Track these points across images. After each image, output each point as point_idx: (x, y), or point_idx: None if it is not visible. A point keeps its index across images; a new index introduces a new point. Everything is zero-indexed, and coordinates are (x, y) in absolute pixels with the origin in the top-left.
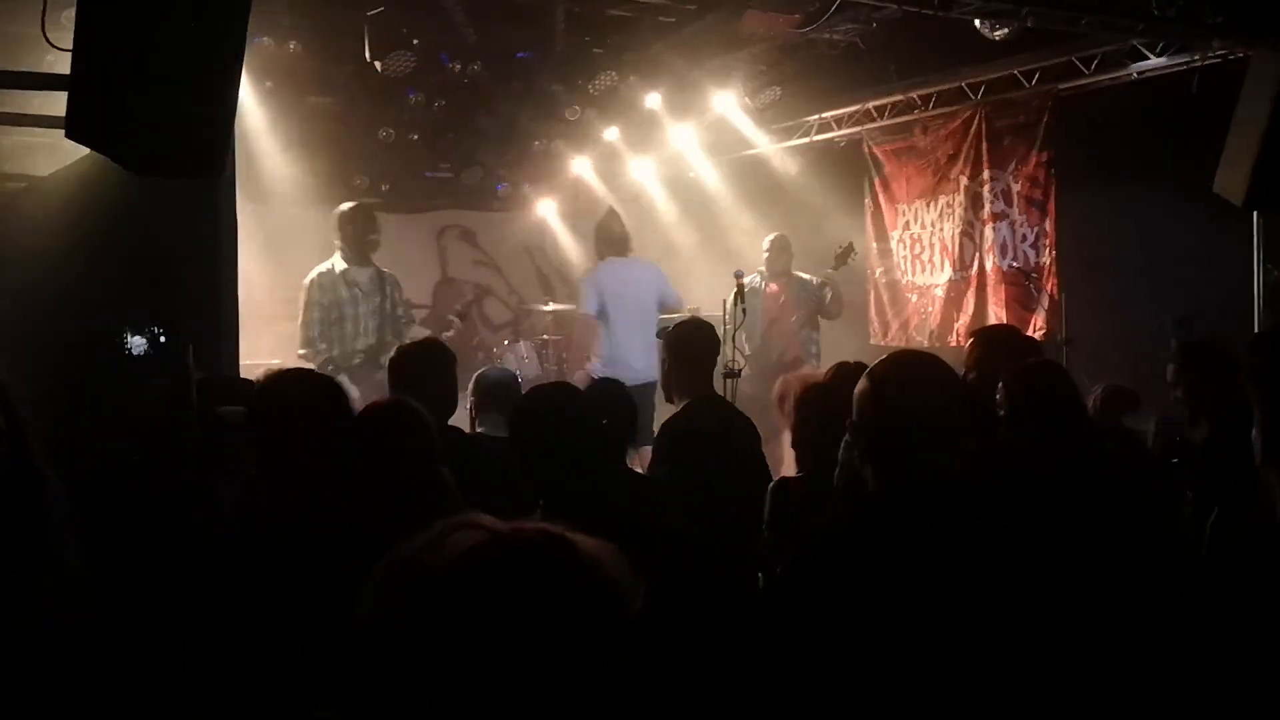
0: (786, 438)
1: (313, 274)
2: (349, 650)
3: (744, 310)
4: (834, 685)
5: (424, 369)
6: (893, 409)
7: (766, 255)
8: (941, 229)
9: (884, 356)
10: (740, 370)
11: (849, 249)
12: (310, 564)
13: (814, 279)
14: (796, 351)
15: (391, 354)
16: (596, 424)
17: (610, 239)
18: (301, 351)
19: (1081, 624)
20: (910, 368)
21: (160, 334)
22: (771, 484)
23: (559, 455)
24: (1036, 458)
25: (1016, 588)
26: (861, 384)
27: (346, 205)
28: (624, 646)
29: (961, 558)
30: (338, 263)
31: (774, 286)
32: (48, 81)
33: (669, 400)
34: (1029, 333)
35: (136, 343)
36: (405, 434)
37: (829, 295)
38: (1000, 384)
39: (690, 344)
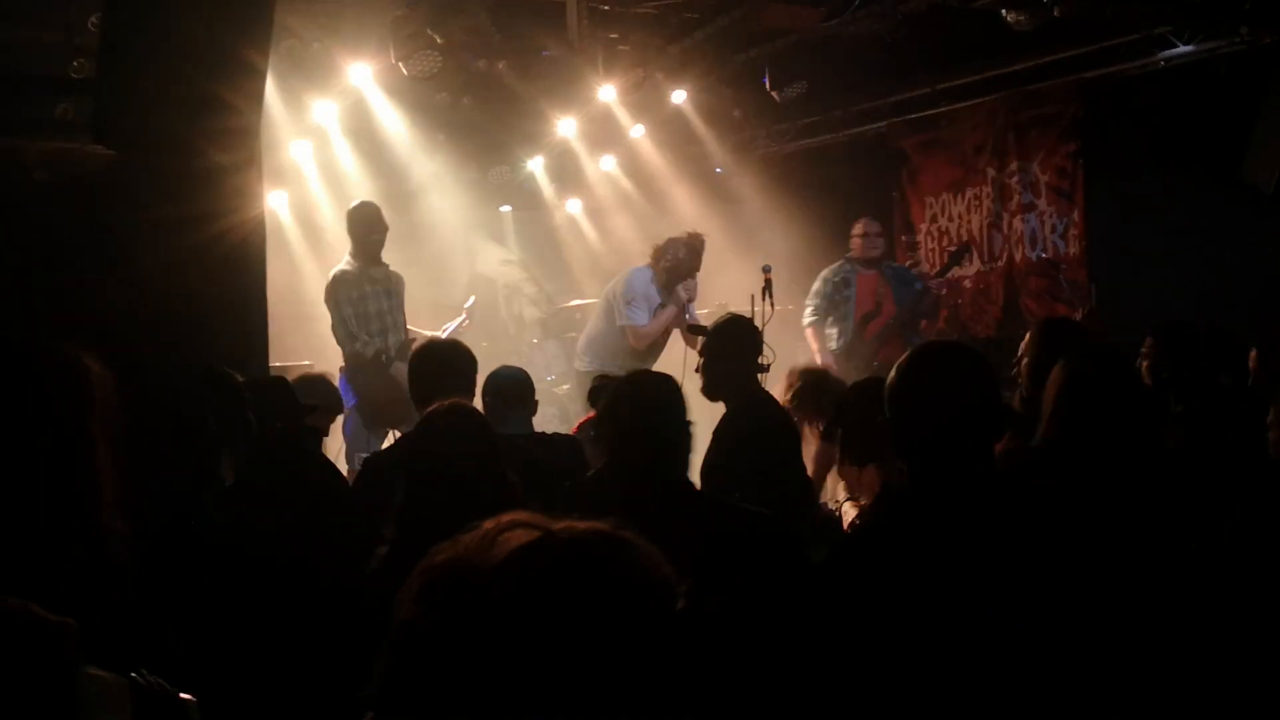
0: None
1: (333, 272)
2: (390, 654)
3: (772, 305)
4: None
5: (445, 370)
6: (918, 401)
7: (862, 241)
8: (970, 221)
9: (913, 349)
10: (768, 366)
11: (963, 248)
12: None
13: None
14: (900, 349)
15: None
16: None
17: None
18: (347, 348)
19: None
20: (936, 360)
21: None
22: None
23: None
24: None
25: (1039, 584)
26: (889, 378)
27: (353, 203)
28: (673, 646)
29: (988, 551)
30: (352, 262)
31: (868, 276)
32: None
33: (710, 398)
34: None
35: None
36: (470, 435)
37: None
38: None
39: (731, 341)
